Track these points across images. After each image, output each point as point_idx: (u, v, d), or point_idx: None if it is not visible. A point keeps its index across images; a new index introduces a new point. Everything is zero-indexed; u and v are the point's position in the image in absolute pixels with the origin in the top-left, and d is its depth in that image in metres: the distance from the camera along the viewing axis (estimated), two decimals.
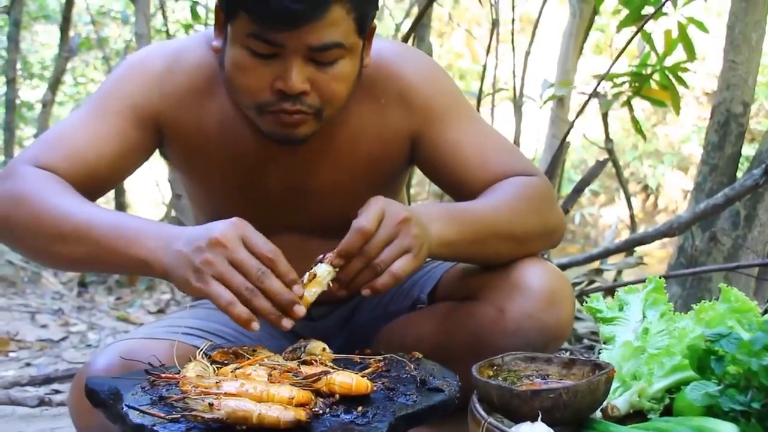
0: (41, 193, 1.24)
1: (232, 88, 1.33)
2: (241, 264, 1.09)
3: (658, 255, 6.55)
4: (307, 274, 1.18)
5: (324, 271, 1.18)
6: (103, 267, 1.28)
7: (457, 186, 1.45)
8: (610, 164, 2.92)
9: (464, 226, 1.29)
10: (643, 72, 2.76)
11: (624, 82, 2.81)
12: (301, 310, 1.13)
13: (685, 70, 2.73)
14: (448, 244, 1.27)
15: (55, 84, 5.87)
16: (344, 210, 1.49)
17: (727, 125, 3.10)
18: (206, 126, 1.41)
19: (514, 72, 2.90)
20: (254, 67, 1.25)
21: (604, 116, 3.27)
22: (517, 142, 2.84)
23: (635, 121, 2.91)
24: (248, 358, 1.19)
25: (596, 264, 2.76)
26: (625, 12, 2.93)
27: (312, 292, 1.17)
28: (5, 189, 1.28)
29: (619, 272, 3.02)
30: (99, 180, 1.37)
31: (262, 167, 1.43)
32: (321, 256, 1.19)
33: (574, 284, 2.65)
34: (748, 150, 3.31)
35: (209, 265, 1.09)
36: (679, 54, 2.76)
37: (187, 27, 5.52)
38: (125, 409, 1.01)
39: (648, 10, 2.63)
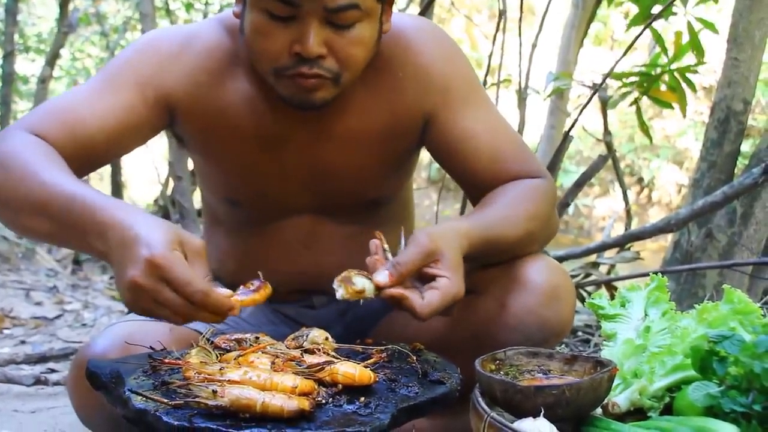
0: (23, 162, 1.19)
1: (251, 53, 1.32)
2: (166, 303, 1.03)
3: (651, 247, 6.58)
4: (355, 280, 1.18)
5: (368, 289, 1.18)
6: (62, 244, 1.25)
7: (466, 175, 1.45)
8: None
9: (485, 245, 1.30)
10: (653, 72, 2.75)
11: (633, 82, 2.80)
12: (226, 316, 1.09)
13: (695, 72, 2.72)
14: (466, 260, 1.27)
15: (52, 59, 5.83)
16: (357, 188, 1.49)
17: (727, 122, 3.10)
18: (222, 106, 1.41)
19: (520, 65, 2.89)
20: (272, 30, 1.25)
21: (604, 109, 3.26)
22: (520, 134, 2.84)
23: (642, 122, 2.90)
24: (251, 345, 1.19)
25: (593, 257, 2.77)
26: (626, 4, 2.92)
27: (342, 294, 1.18)
28: None
29: (613, 266, 3.03)
30: (96, 152, 1.34)
31: (278, 145, 1.43)
32: (376, 274, 1.19)
33: (571, 277, 2.66)
34: (744, 146, 3.32)
35: (134, 302, 1.05)
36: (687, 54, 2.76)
37: (189, 6, 5.50)
38: (127, 393, 1.01)
39: (658, 8, 2.61)
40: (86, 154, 1.32)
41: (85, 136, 1.31)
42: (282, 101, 1.35)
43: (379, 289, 1.17)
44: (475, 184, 1.44)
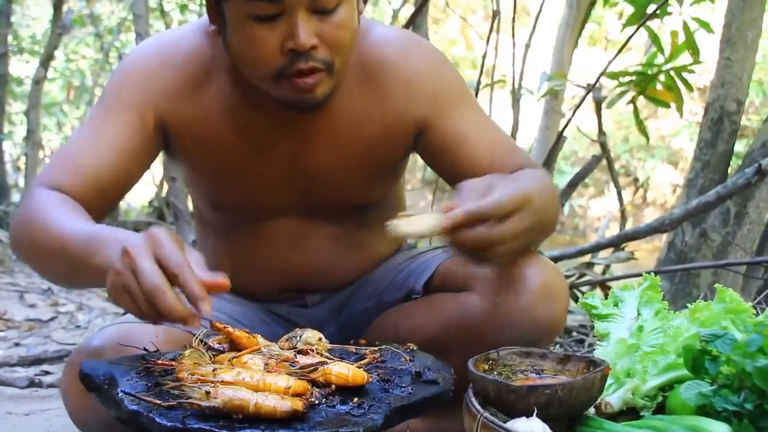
0: (42, 214, 1.26)
1: (244, 65, 1.32)
2: (139, 274, 1.02)
3: (645, 248, 6.59)
4: (415, 214, 1.16)
5: (431, 219, 1.14)
6: (80, 281, 1.28)
7: (459, 172, 1.42)
8: None
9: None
10: (649, 72, 2.76)
11: (629, 81, 2.81)
12: (194, 324, 1.06)
13: (691, 71, 2.73)
14: None
15: (46, 60, 5.81)
16: (345, 193, 1.50)
17: (720, 122, 3.11)
18: (207, 113, 1.41)
19: (513, 65, 2.90)
20: (261, 34, 1.25)
21: (598, 109, 3.27)
22: (514, 135, 2.84)
23: (639, 122, 2.92)
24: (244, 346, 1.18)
25: (587, 257, 2.78)
26: (621, 4, 2.93)
27: (408, 226, 1.14)
28: (20, 212, 1.33)
29: (607, 266, 3.03)
30: (108, 190, 1.37)
31: (264, 149, 1.43)
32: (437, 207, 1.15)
33: (565, 277, 2.66)
34: (738, 146, 3.33)
35: (117, 275, 1.05)
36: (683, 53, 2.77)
37: (183, 7, 5.49)
38: (120, 394, 1.01)
39: (653, 8, 2.62)
40: (100, 194, 1.35)
41: (93, 178, 1.34)
42: (269, 105, 1.36)
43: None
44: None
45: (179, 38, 1.45)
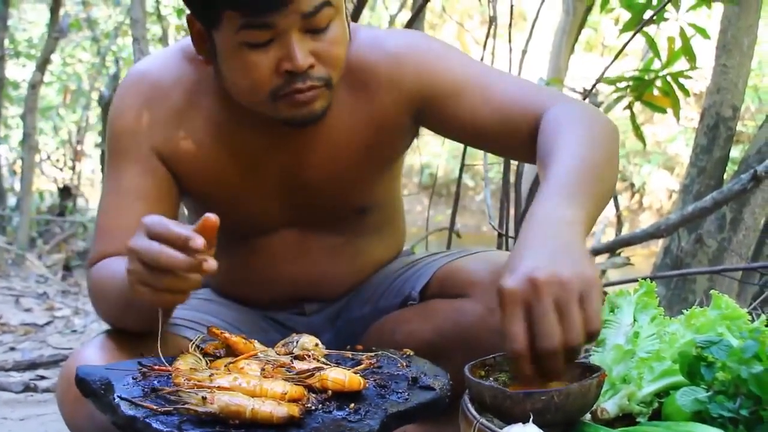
0: (101, 283, 1.33)
1: (239, 91, 1.31)
2: (140, 255, 1.04)
3: (641, 253, 6.60)
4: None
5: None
6: (141, 311, 1.24)
7: (467, 129, 1.41)
8: None
9: (585, 195, 1.16)
10: (646, 77, 2.76)
11: (626, 87, 2.81)
12: (211, 264, 1.03)
13: (688, 77, 2.74)
14: (591, 220, 1.15)
15: (43, 64, 5.81)
16: (344, 199, 1.49)
17: (716, 128, 3.13)
18: (197, 139, 1.41)
19: (510, 71, 2.90)
20: (255, 60, 1.24)
21: None
22: None
23: (636, 127, 2.92)
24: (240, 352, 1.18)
25: None
26: (617, 10, 2.93)
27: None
28: (89, 297, 1.43)
29: (603, 271, 3.04)
30: None
31: (258, 167, 1.43)
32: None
33: None
34: (733, 152, 3.34)
35: (129, 273, 1.07)
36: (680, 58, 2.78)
37: (180, 12, 5.49)
38: (117, 400, 1.01)
39: (650, 14, 2.63)
40: None
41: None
42: (260, 123, 1.36)
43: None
44: (477, 133, 1.40)
45: (160, 68, 1.43)
